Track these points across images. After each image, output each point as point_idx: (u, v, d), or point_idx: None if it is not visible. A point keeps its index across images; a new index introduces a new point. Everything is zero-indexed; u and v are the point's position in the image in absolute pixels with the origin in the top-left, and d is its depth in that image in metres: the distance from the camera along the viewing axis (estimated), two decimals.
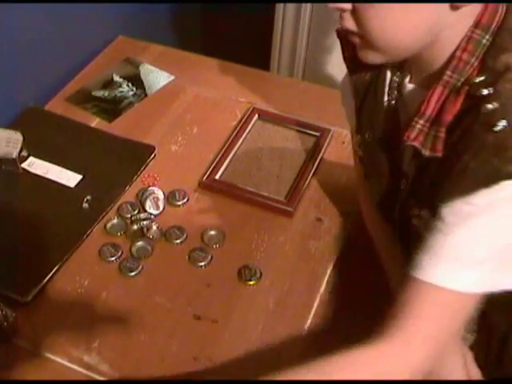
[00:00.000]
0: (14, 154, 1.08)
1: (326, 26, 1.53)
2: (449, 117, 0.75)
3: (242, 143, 1.19)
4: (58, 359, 0.87)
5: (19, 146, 1.09)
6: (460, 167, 0.71)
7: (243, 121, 1.23)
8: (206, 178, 1.11)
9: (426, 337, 0.76)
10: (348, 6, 0.74)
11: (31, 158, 1.12)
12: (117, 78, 1.34)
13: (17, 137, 1.10)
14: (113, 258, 0.99)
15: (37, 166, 1.11)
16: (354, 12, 0.74)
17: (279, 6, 1.62)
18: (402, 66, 0.84)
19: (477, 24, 0.73)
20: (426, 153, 0.76)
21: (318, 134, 1.22)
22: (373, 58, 0.79)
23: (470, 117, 0.72)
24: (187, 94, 1.31)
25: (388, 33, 0.73)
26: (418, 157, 0.78)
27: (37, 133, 1.17)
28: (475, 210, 0.71)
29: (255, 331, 0.91)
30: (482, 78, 0.72)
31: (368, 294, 0.97)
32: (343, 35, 0.82)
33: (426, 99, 0.76)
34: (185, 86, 1.33)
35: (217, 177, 1.12)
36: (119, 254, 0.99)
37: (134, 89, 1.32)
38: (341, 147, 1.20)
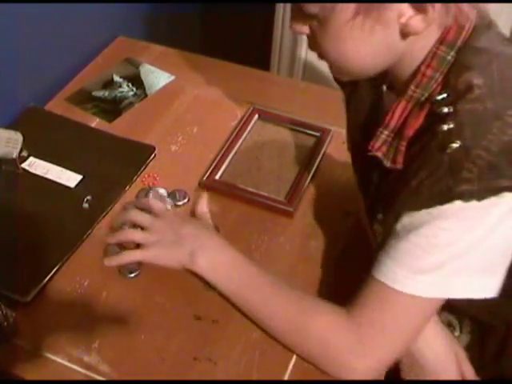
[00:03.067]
0: (14, 154, 1.08)
1: None
2: (410, 131, 0.77)
3: (242, 143, 1.19)
4: (58, 359, 0.87)
5: (19, 146, 1.09)
6: (416, 183, 0.74)
7: (243, 121, 1.23)
8: (206, 178, 1.11)
9: (380, 342, 0.80)
10: (306, 29, 0.77)
11: (31, 158, 1.12)
12: (117, 78, 1.34)
13: (17, 137, 1.10)
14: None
15: (37, 166, 1.11)
16: (312, 36, 0.77)
17: (279, 6, 1.62)
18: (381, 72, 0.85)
19: (442, 40, 0.74)
20: (388, 164, 0.79)
21: (318, 133, 1.22)
22: (340, 77, 0.85)
23: (428, 134, 0.74)
24: (187, 94, 1.31)
25: (343, 58, 0.76)
26: (381, 165, 0.80)
27: (37, 133, 1.17)
28: (427, 220, 0.73)
29: (255, 331, 0.91)
30: (444, 96, 0.73)
31: None
32: None
33: (390, 111, 0.79)
34: (185, 86, 1.33)
35: (217, 177, 1.12)
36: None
37: (134, 89, 1.32)
38: (341, 147, 1.20)
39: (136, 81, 1.34)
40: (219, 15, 1.90)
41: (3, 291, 0.92)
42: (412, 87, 0.76)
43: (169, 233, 0.95)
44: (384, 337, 0.80)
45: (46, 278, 0.95)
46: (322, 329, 0.83)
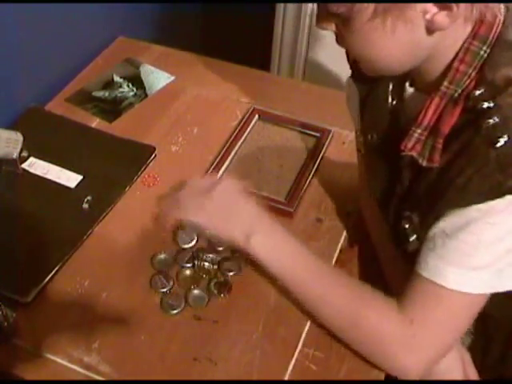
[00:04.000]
0: (15, 155, 1.08)
1: None
2: (446, 128, 0.76)
3: (242, 144, 1.19)
4: (58, 359, 0.87)
5: (19, 146, 1.09)
6: (463, 180, 0.73)
7: (243, 121, 1.23)
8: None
9: (432, 339, 0.80)
10: (331, 27, 0.76)
11: (31, 159, 1.12)
12: (117, 79, 1.34)
13: (17, 137, 1.10)
14: None
15: (37, 166, 1.11)
16: (339, 34, 0.76)
17: (279, 6, 1.63)
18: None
19: (474, 35, 0.74)
20: (424, 163, 0.78)
21: (318, 134, 1.22)
22: (369, 73, 0.82)
23: (470, 130, 0.73)
24: (187, 94, 1.31)
25: (368, 56, 0.76)
26: (414, 165, 0.80)
27: (37, 133, 1.17)
28: (476, 217, 0.73)
29: (255, 331, 0.91)
30: (482, 91, 0.73)
31: None
32: None
33: (423, 109, 0.78)
34: (185, 86, 1.33)
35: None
36: None
37: (135, 89, 1.32)
38: (341, 147, 1.20)
39: (136, 81, 1.34)
40: (219, 15, 1.90)
41: (3, 291, 0.92)
42: (445, 83, 0.75)
43: (227, 201, 0.91)
44: (436, 334, 0.80)
45: (46, 278, 0.95)
46: (375, 320, 0.82)
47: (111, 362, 0.87)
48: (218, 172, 1.13)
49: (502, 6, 0.74)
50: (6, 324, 0.87)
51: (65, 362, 0.87)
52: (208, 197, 0.91)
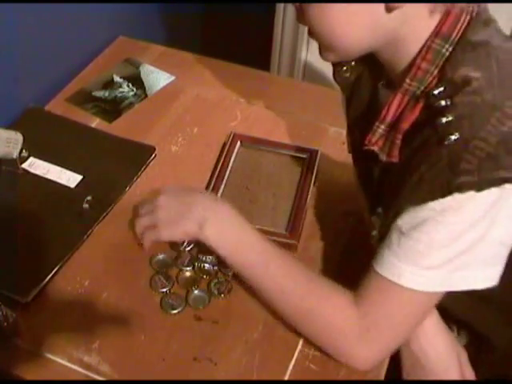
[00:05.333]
0: (15, 155, 1.08)
1: None
2: (406, 124, 0.77)
3: (229, 174, 1.12)
4: (58, 359, 0.87)
5: (19, 146, 1.09)
6: (417, 177, 0.74)
7: (226, 150, 1.16)
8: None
9: (385, 332, 0.81)
10: (298, 4, 0.78)
11: (31, 159, 1.12)
12: (117, 79, 1.34)
13: (17, 137, 1.10)
14: None
15: (37, 166, 1.11)
16: (302, 10, 0.77)
17: (279, 6, 1.62)
18: (379, 69, 0.85)
19: (437, 33, 0.74)
20: (383, 158, 0.80)
21: (305, 156, 1.15)
22: (327, 56, 0.82)
23: (427, 127, 0.74)
24: (187, 94, 1.31)
25: (329, 30, 0.76)
26: (381, 161, 0.81)
27: (37, 133, 1.17)
28: (429, 216, 0.74)
29: (255, 331, 0.91)
30: (441, 89, 0.73)
31: None
32: None
33: (386, 105, 0.79)
34: (185, 86, 1.33)
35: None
36: None
37: (135, 89, 1.32)
38: (341, 147, 1.20)
39: (136, 81, 1.34)
40: (219, 15, 1.90)
41: (3, 291, 0.92)
42: (407, 80, 0.76)
43: (174, 204, 0.91)
44: (389, 329, 0.81)
45: (46, 278, 0.95)
46: (330, 312, 0.83)
47: (111, 361, 0.87)
48: None
49: (473, 5, 0.74)
50: (5, 324, 0.87)
51: (65, 362, 0.87)
52: (157, 212, 0.92)
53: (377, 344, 0.82)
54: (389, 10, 0.72)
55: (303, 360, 0.89)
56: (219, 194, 1.09)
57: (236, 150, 1.17)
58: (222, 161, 1.14)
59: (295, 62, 1.68)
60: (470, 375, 0.89)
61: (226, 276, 0.97)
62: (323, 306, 0.84)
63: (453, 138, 0.70)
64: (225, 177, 1.12)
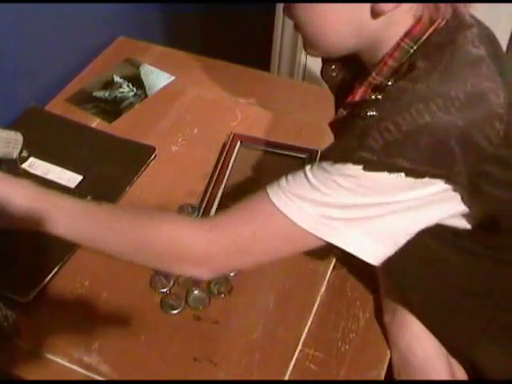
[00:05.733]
0: (15, 155, 1.08)
1: None
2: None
3: (229, 174, 1.12)
4: (59, 359, 0.87)
5: (19, 146, 1.09)
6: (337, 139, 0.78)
7: (226, 150, 1.16)
8: (201, 216, 1.05)
9: (229, 236, 0.78)
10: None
11: (31, 159, 1.12)
12: (117, 79, 1.34)
13: (17, 137, 1.10)
14: None
15: (37, 166, 1.11)
16: (290, 5, 0.79)
17: (279, 6, 1.62)
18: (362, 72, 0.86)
19: (407, 33, 0.75)
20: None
21: (305, 156, 1.16)
22: (312, 52, 0.84)
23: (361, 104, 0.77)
24: (187, 94, 1.32)
25: (313, 27, 0.78)
26: None
27: (37, 133, 1.17)
28: (328, 171, 0.72)
29: (255, 331, 0.91)
30: (393, 80, 0.76)
31: (368, 293, 0.97)
32: None
33: (352, 94, 0.81)
34: (185, 86, 1.33)
35: (211, 215, 1.05)
36: None
37: (135, 89, 1.32)
38: None
39: (136, 81, 1.34)
40: (219, 15, 1.90)
41: (3, 292, 0.92)
42: (373, 74, 0.78)
43: None
44: (235, 244, 0.78)
45: (46, 278, 0.95)
46: (167, 233, 0.79)
47: (111, 362, 0.87)
48: (211, 209, 1.06)
49: (451, 10, 0.74)
50: (5, 324, 0.87)
51: (65, 362, 0.87)
52: None
53: (217, 260, 0.78)
54: (375, 16, 0.73)
55: (303, 360, 0.89)
56: (219, 194, 1.09)
57: (236, 150, 1.17)
58: (221, 161, 1.14)
59: (295, 62, 1.68)
60: (461, 376, 0.89)
61: (225, 276, 0.97)
62: (157, 231, 0.79)
63: (370, 113, 0.71)
64: (225, 177, 1.12)
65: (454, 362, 0.89)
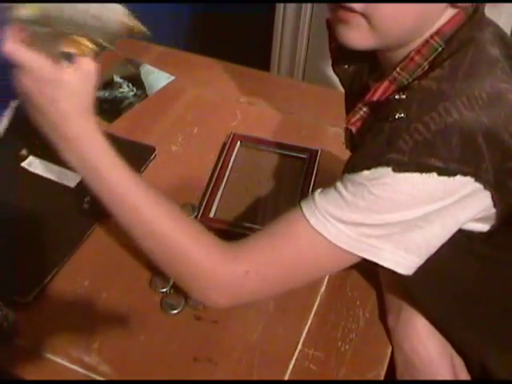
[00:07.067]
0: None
1: None
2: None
3: (229, 174, 1.13)
4: (58, 360, 0.87)
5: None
6: (361, 147, 0.74)
7: (226, 150, 1.16)
8: (200, 217, 1.05)
9: (256, 266, 0.77)
10: None
11: (31, 158, 1.12)
12: (117, 79, 1.34)
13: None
14: None
15: (36, 165, 1.11)
16: None
17: (279, 6, 1.63)
18: (375, 68, 0.85)
19: (438, 31, 0.74)
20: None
21: (305, 155, 1.16)
22: (361, 39, 0.75)
23: (385, 104, 0.75)
24: (187, 94, 1.32)
25: (395, 14, 0.72)
26: None
27: (37, 132, 1.17)
28: (360, 182, 0.72)
29: (255, 331, 0.91)
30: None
31: (368, 293, 0.97)
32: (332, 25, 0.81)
33: (373, 89, 0.78)
34: (185, 86, 1.33)
35: (211, 215, 1.05)
36: None
37: (135, 89, 1.32)
38: (341, 148, 1.19)
39: (136, 81, 1.34)
40: (219, 15, 1.90)
41: (4, 292, 0.92)
42: (398, 69, 0.76)
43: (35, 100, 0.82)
44: (274, 276, 0.77)
45: (46, 278, 0.95)
46: (198, 255, 0.79)
47: (111, 362, 0.87)
48: (211, 209, 1.06)
49: (473, 6, 0.75)
50: (5, 324, 0.87)
51: (65, 362, 0.87)
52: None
53: (240, 292, 0.78)
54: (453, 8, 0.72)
55: (303, 360, 0.89)
56: (219, 194, 1.09)
57: (236, 150, 1.17)
58: (221, 161, 1.14)
59: (295, 62, 1.68)
60: (464, 377, 0.89)
61: None
62: (192, 247, 0.79)
63: (398, 115, 0.70)
64: (225, 177, 1.12)
65: (457, 362, 0.89)
